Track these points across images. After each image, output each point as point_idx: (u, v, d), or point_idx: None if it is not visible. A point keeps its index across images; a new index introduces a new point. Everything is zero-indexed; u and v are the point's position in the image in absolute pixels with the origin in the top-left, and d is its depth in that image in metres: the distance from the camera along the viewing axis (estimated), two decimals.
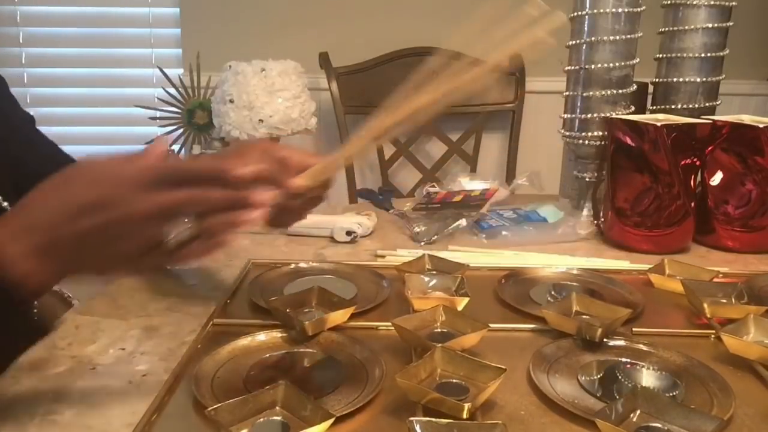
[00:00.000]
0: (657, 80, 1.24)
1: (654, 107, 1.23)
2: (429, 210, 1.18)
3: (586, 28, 1.13)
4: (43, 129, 0.90)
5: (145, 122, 1.66)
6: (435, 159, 1.89)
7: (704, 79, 1.18)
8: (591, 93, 1.14)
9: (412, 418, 0.51)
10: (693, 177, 1.05)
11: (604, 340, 0.69)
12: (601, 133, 1.14)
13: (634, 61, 1.14)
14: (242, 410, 0.53)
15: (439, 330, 0.70)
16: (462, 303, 0.75)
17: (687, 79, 1.19)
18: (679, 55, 1.19)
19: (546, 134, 1.36)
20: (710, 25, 1.16)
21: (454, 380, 0.60)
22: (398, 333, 0.68)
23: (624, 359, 0.67)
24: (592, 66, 1.13)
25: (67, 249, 0.52)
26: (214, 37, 1.83)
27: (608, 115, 1.12)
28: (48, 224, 0.51)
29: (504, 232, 1.09)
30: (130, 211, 0.51)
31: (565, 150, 1.26)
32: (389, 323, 0.69)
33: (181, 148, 1.59)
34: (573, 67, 1.16)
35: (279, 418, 0.54)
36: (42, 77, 1.91)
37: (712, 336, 0.73)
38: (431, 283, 0.82)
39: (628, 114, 1.14)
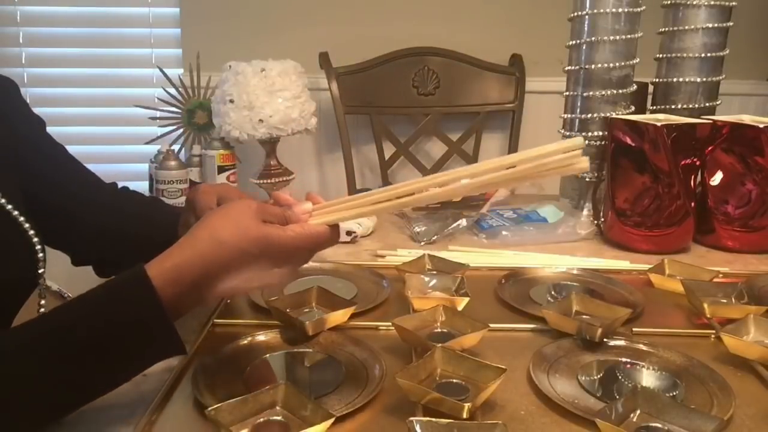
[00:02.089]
0: (657, 80, 1.24)
1: (654, 107, 1.23)
2: (429, 210, 1.18)
3: (586, 28, 1.13)
4: None
5: (144, 122, 1.66)
6: (435, 159, 1.88)
7: (704, 79, 1.18)
8: (591, 93, 1.14)
9: (412, 418, 0.51)
10: (693, 177, 1.05)
11: (604, 340, 0.69)
12: (601, 133, 1.14)
13: (634, 61, 1.14)
14: (242, 410, 0.53)
15: (439, 330, 0.70)
16: (462, 303, 0.75)
17: (687, 79, 1.19)
18: (679, 55, 1.19)
19: (546, 134, 1.36)
20: (710, 25, 1.16)
21: (454, 380, 0.60)
22: (398, 333, 0.68)
23: (624, 359, 0.67)
24: (592, 66, 1.13)
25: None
26: (214, 37, 1.83)
27: (608, 115, 1.12)
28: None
29: (504, 232, 1.09)
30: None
31: None
32: (389, 323, 0.69)
33: (180, 148, 1.59)
34: (573, 67, 1.16)
35: (279, 418, 0.54)
36: (42, 77, 1.91)
37: (712, 336, 0.73)
38: (431, 283, 0.82)
39: (628, 114, 1.14)
